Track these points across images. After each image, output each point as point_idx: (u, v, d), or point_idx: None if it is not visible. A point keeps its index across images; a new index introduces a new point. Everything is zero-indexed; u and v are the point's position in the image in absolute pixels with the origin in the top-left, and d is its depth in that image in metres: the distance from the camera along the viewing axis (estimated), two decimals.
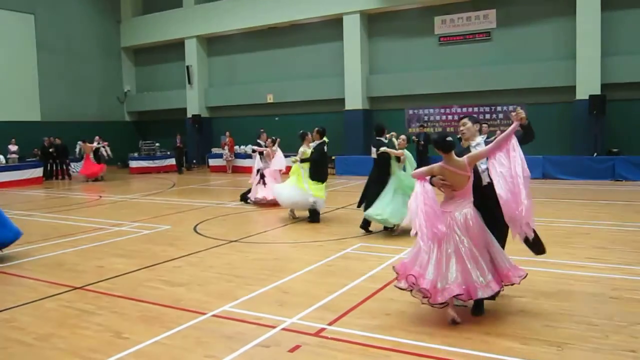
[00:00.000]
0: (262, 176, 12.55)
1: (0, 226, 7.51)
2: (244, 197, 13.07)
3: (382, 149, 8.74)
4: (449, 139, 4.78)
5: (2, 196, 16.31)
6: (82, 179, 20.68)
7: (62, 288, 6.21)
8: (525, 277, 4.95)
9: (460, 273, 4.64)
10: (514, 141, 4.81)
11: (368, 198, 8.92)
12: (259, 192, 12.53)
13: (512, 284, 4.90)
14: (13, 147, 21.21)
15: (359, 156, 19.60)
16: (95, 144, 21.16)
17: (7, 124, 22.22)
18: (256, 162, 12.81)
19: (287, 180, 10.56)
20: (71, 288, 6.21)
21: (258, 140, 13.34)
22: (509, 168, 4.73)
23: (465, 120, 5.24)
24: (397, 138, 9.25)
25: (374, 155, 9.07)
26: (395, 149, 8.89)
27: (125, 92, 28.61)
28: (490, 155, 4.83)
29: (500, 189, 4.71)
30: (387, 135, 9.28)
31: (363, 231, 8.97)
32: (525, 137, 5.04)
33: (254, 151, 13.22)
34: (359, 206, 9.46)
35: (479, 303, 4.89)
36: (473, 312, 4.93)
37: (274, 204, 11.74)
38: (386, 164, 8.86)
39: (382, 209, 8.44)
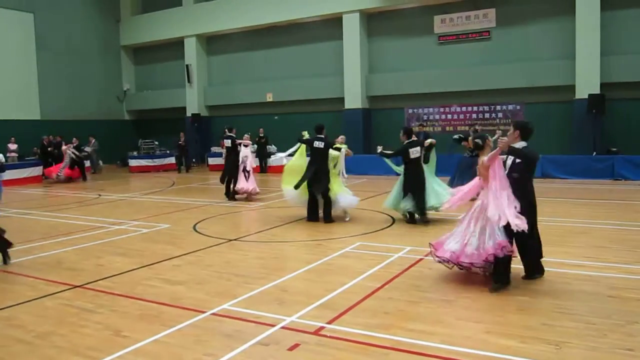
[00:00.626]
0: (246, 170, 13.27)
1: None
2: (229, 194, 13.62)
3: (429, 140, 9.85)
4: (477, 140, 6.02)
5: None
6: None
7: (61, 286, 6.22)
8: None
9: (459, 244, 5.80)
10: (498, 162, 5.61)
11: (421, 194, 9.48)
12: (245, 184, 13.18)
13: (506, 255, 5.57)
14: (12, 146, 21.21)
15: (358, 155, 19.56)
16: (70, 147, 19.76)
17: (6, 123, 22.22)
18: (248, 156, 13.44)
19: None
20: (71, 286, 6.22)
21: (230, 134, 13.83)
22: (494, 185, 5.60)
23: (511, 127, 6.08)
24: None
25: (415, 155, 9.50)
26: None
27: (125, 91, 28.61)
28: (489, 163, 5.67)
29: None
30: (379, 150, 9.91)
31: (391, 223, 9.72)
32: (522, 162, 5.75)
33: (240, 144, 13.60)
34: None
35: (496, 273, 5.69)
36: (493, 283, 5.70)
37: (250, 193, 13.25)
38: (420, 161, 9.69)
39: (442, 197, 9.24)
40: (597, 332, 4.45)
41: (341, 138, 10.87)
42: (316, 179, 10.04)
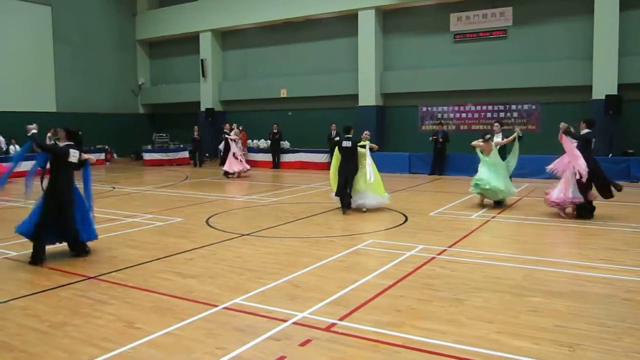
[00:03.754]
0: (234, 155, 18.21)
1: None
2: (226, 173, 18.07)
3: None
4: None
5: (17, 186, 16.48)
6: None
7: (76, 277, 6.29)
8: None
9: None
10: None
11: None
12: (236, 166, 18.01)
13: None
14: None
15: (372, 153, 19.50)
16: None
17: (22, 114, 22.43)
18: (232, 146, 18.40)
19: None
20: (85, 277, 6.28)
21: (225, 130, 19.43)
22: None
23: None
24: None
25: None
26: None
27: (140, 85, 28.78)
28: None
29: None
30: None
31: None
32: None
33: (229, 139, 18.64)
34: None
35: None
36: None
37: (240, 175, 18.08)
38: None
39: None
40: (612, 335, 4.41)
41: (366, 134, 11.22)
42: (349, 178, 10.70)
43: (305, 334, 4.50)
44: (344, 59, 22.17)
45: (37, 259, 6.93)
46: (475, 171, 11.19)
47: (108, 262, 6.99)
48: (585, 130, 9.70)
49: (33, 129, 7.14)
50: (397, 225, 9.31)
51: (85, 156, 7.40)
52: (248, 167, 18.74)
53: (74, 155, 7.18)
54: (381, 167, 17.89)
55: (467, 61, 19.68)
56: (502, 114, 19.15)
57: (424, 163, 18.68)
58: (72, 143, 7.25)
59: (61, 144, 7.27)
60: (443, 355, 4.09)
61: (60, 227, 7.08)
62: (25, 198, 7.91)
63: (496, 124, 12.33)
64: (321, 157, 21.06)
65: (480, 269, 6.47)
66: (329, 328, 4.63)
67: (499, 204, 11.18)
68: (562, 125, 9.67)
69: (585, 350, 4.13)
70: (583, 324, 4.67)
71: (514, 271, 6.39)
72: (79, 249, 7.31)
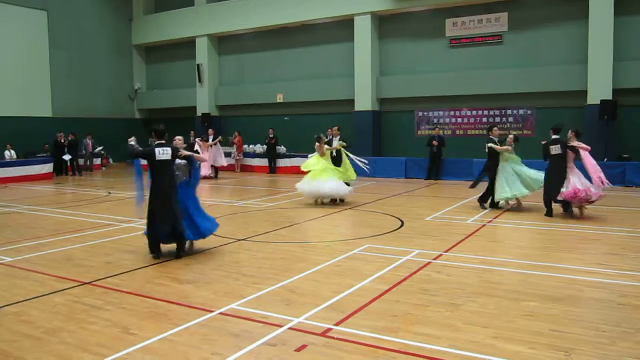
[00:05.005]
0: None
1: (201, 217, 7.87)
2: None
3: (490, 145, 11.13)
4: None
5: (12, 191, 16.45)
6: None
7: (70, 283, 6.26)
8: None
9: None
10: None
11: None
12: (204, 170, 17.60)
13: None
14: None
15: (368, 157, 19.52)
16: None
17: (18, 119, 22.42)
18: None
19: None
20: (80, 283, 6.25)
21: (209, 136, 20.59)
22: None
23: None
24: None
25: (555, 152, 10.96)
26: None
27: (136, 90, 28.75)
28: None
29: None
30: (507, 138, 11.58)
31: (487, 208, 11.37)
32: None
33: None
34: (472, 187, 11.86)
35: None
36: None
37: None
38: (496, 156, 11.11)
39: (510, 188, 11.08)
40: (607, 339, 4.41)
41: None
42: None
43: (301, 339, 4.48)
44: (340, 64, 22.20)
45: (153, 250, 7.40)
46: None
47: (103, 268, 6.96)
48: (552, 137, 10.43)
49: (132, 141, 7.78)
50: (393, 230, 9.31)
51: (185, 153, 7.78)
52: (213, 175, 19.77)
53: (162, 153, 7.57)
54: (378, 171, 18.20)
55: (463, 66, 19.74)
56: (497, 119, 19.20)
57: (420, 168, 18.70)
58: (162, 142, 7.73)
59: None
60: None
61: (166, 225, 7.26)
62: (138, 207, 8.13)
63: (494, 128, 11.91)
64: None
65: (476, 274, 6.48)
66: (324, 333, 4.62)
67: (496, 206, 11.36)
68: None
69: (581, 354, 4.13)
70: (579, 328, 4.67)
71: (509, 276, 6.39)
72: (180, 248, 7.44)
